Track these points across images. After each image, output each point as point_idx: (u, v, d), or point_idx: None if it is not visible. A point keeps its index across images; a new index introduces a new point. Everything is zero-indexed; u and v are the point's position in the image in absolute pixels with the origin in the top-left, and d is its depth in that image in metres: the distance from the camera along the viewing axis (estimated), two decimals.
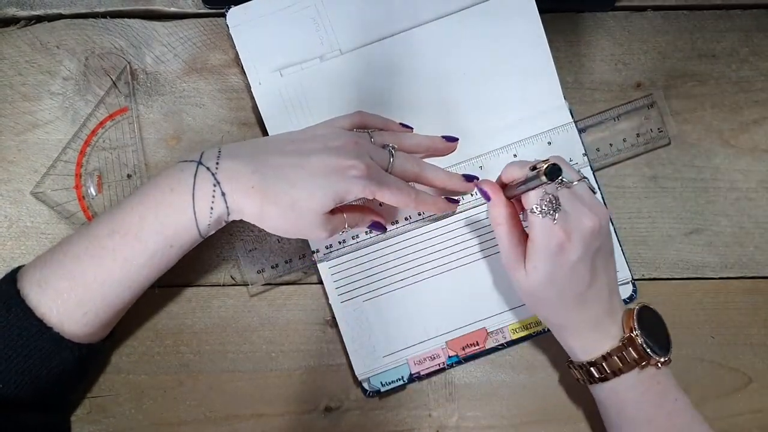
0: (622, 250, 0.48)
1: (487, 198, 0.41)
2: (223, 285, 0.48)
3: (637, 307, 0.42)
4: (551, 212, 0.38)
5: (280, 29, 0.47)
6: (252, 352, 0.47)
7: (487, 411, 0.47)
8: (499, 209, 0.41)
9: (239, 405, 0.47)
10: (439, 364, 0.47)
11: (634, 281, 0.48)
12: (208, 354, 0.47)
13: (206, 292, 0.48)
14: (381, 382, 0.47)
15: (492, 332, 0.47)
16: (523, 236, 0.41)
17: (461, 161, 0.47)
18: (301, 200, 0.38)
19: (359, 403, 0.48)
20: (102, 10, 0.49)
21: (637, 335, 0.40)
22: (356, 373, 0.46)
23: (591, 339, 0.41)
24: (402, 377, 0.47)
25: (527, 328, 0.47)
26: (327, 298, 0.47)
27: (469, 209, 0.47)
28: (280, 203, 0.38)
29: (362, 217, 0.44)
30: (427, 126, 0.47)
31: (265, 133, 0.48)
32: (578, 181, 0.39)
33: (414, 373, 0.47)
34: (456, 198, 0.46)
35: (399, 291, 0.47)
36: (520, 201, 0.40)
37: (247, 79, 0.47)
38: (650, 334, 0.41)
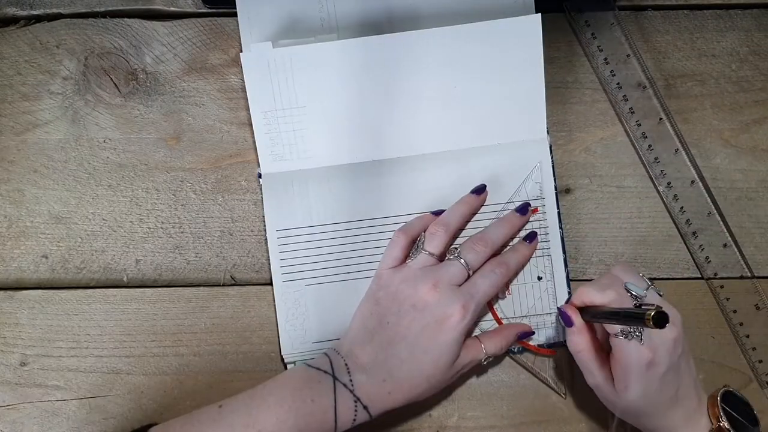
0: (570, 289, 0.48)
1: (570, 324, 0.42)
2: (223, 285, 0.48)
3: (720, 394, 0.42)
4: (637, 333, 0.38)
5: (284, 1, 0.47)
6: (252, 352, 0.47)
7: (487, 411, 0.47)
8: (581, 337, 0.42)
9: None
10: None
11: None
12: (208, 354, 0.47)
13: (206, 292, 0.48)
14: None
15: None
16: (605, 356, 0.42)
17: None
18: (432, 376, 0.41)
19: None
20: (102, 9, 0.49)
21: (724, 424, 0.40)
22: (282, 353, 0.46)
23: None
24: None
25: None
26: (270, 269, 0.47)
27: (444, 210, 0.47)
28: (419, 388, 0.41)
29: (501, 339, 0.45)
30: (405, 131, 0.47)
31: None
32: (646, 290, 0.40)
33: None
34: (533, 232, 0.47)
35: (344, 283, 0.47)
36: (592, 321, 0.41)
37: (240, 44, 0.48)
38: (736, 418, 0.41)
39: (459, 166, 0.47)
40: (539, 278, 0.47)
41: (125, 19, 0.49)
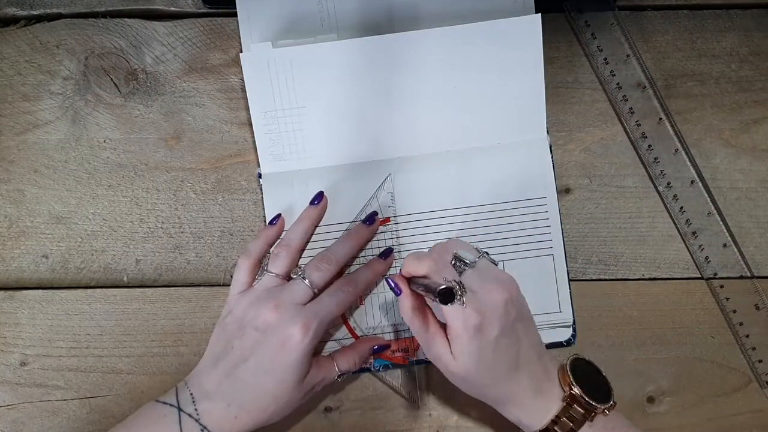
0: (570, 289, 0.47)
1: (398, 293, 0.40)
2: (223, 285, 0.48)
3: (568, 361, 0.41)
4: (459, 297, 0.37)
5: (284, 1, 0.47)
6: None
7: (487, 411, 0.47)
8: (407, 302, 0.40)
9: None
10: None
11: (574, 326, 0.48)
12: None
13: (206, 292, 0.48)
14: None
15: None
16: (439, 324, 0.40)
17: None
18: (279, 397, 0.41)
19: (359, 403, 0.48)
20: (102, 9, 0.49)
21: (576, 390, 0.39)
22: None
23: (535, 406, 0.40)
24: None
25: None
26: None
27: (443, 209, 0.47)
28: (267, 411, 0.41)
29: (354, 354, 0.45)
30: (405, 131, 0.47)
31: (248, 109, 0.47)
32: (478, 258, 0.39)
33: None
34: (389, 248, 0.47)
35: None
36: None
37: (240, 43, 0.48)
38: (589, 384, 0.40)
39: (459, 166, 0.47)
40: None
41: (125, 19, 0.49)
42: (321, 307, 0.42)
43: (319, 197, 0.46)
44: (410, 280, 0.41)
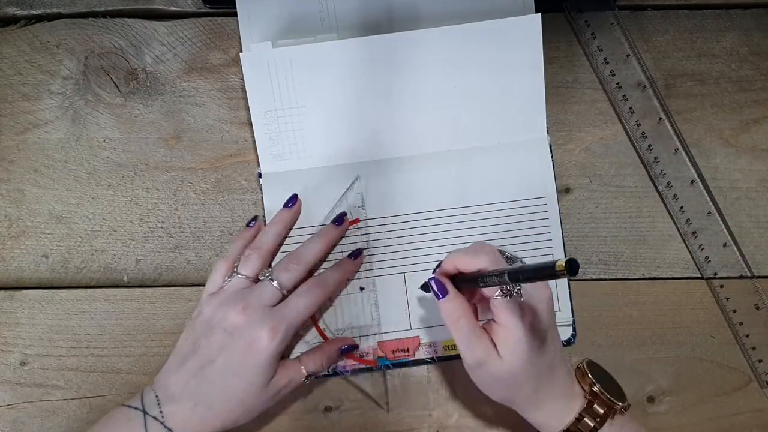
0: (570, 289, 0.48)
1: (445, 293, 0.38)
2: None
3: (584, 363, 0.42)
4: (515, 291, 0.37)
5: (284, 1, 0.47)
6: None
7: (487, 411, 0.47)
8: (456, 303, 0.38)
9: None
10: (367, 363, 0.47)
11: (574, 325, 0.48)
12: None
13: None
14: None
15: (424, 343, 0.47)
16: (482, 329, 0.39)
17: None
18: (246, 400, 0.41)
19: (359, 403, 0.48)
20: (102, 9, 0.49)
21: (598, 388, 0.40)
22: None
23: (561, 405, 0.40)
24: (327, 369, 0.46)
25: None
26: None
27: (443, 209, 0.47)
28: (234, 412, 0.41)
29: (322, 356, 0.44)
30: (405, 131, 0.47)
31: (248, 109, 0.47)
32: (517, 256, 0.40)
33: (340, 367, 0.47)
34: (359, 249, 0.46)
35: None
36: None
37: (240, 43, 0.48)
38: (605, 384, 0.41)
39: (459, 166, 0.47)
40: (362, 289, 0.47)
41: (125, 18, 0.49)
42: (290, 310, 0.42)
43: (293, 200, 0.46)
44: (454, 281, 0.39)
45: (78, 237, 0.48)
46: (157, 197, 0.49)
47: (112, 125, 0.49)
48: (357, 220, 0.47)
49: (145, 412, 0.40)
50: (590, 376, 0.41)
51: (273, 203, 0.47)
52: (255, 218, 0.47)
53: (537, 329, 0.38)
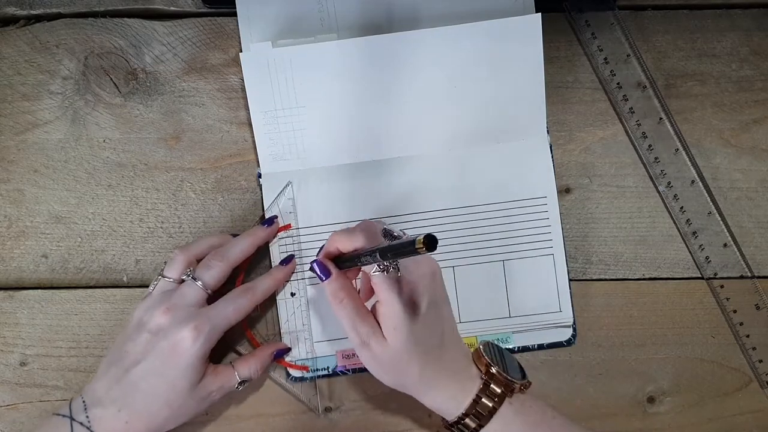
0: (570, 289, 0.47)
1: (328, 274, 0.40)
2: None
3: (480, 345, 0.42)
4: (394, 267, 0.37)
5: (284, 1, 0.47)
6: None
7: None
8: (339, 283, 0.39)
9: (240, 405, 0.47)
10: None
11: (574, 326, 0.48)
12: None
13: None
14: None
15: None
16: (367, 310, 0.40)
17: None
18: (172, 401, 0.41)
19: (359, 404, 0.48)
20: (102, 9, 0.49)
21: (494, 368, 0.40)
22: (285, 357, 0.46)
23: (456, 387, 0.40)
24: (328, 368, 0.47)
25: None
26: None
27: (444, 209, 0.47)
28: (159, 416, 0.41)
29: (256, 361, 0.44)
30: (405, 131, 0.47)
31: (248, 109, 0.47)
32: (403, 233, 0.39)
33: (341, 367, 0.47)
34: (290, 255, 0.46)
35: None
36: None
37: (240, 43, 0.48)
38: (502, 363, 0.40)
39: (459, 166, 0.47)
40: (293, 294, 0.47)
41: (125, 18, 0.49)
42: (216, 312, 0.42)
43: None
44: (338, 260, 0.40)
45: (78, 237, 0.48)
46: (157, 197, 0.49)
47: (112, 125, 0.49)
48: (289, 226, 0.47)
49: (72, 419, 0.40)
50: (485, 356, 0.40)
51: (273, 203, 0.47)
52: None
53: (417, 304, 0.38)
